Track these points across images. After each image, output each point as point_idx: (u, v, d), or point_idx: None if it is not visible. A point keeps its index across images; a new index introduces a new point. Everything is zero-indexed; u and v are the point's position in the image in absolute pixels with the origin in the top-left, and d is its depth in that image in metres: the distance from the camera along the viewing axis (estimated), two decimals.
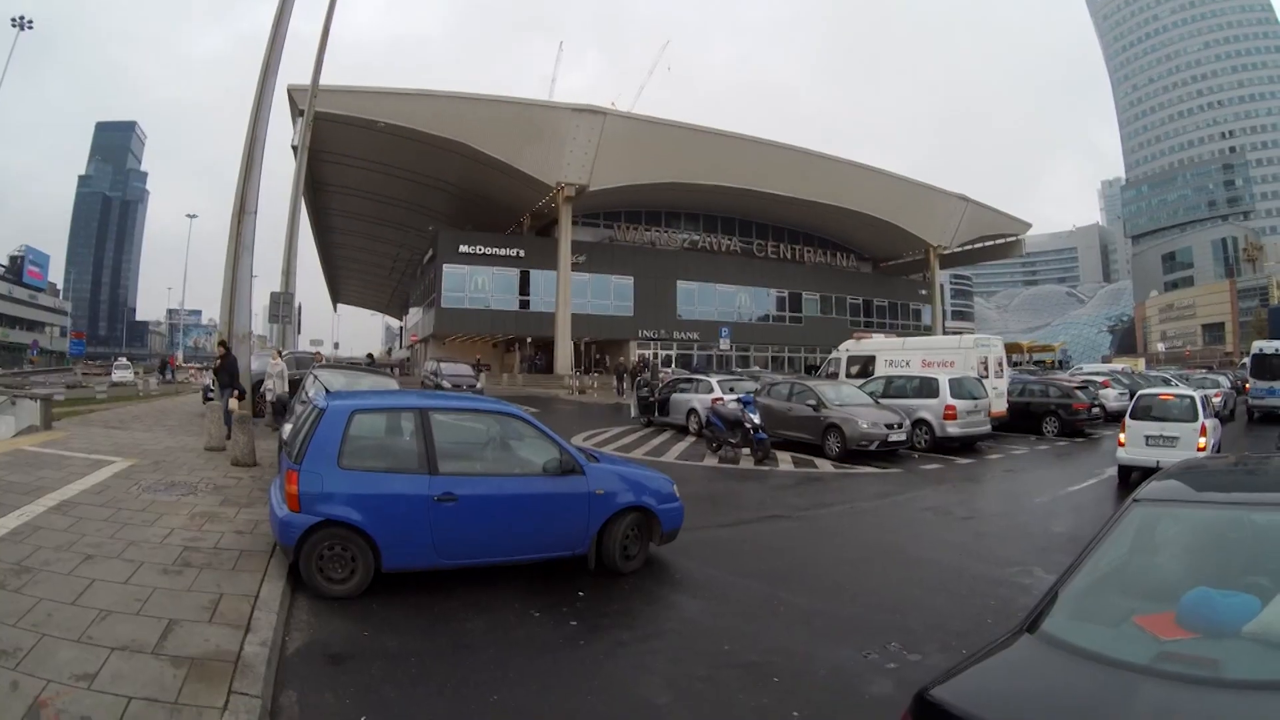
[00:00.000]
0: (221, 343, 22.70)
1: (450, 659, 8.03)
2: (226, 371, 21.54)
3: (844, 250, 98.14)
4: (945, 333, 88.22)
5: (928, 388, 28.09)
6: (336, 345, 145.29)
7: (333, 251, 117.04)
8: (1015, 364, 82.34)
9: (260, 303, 43.38)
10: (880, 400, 27.75)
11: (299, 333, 64.11)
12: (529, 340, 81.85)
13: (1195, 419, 19.41)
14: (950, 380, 27.84)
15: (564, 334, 69.23)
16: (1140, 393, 21.82)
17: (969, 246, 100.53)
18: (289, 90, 53.69)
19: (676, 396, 33.55)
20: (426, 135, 62.08)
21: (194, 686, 6.37)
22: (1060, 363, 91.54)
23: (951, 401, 26.77)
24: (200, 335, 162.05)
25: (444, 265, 74.55)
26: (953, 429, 26.53)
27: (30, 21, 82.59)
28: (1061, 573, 4.87)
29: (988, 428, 28.20)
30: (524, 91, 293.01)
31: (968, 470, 23.23)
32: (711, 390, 30.65)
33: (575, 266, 72.95)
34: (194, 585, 8.99)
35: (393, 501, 9.86)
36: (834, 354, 39.53)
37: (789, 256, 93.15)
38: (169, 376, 58.41)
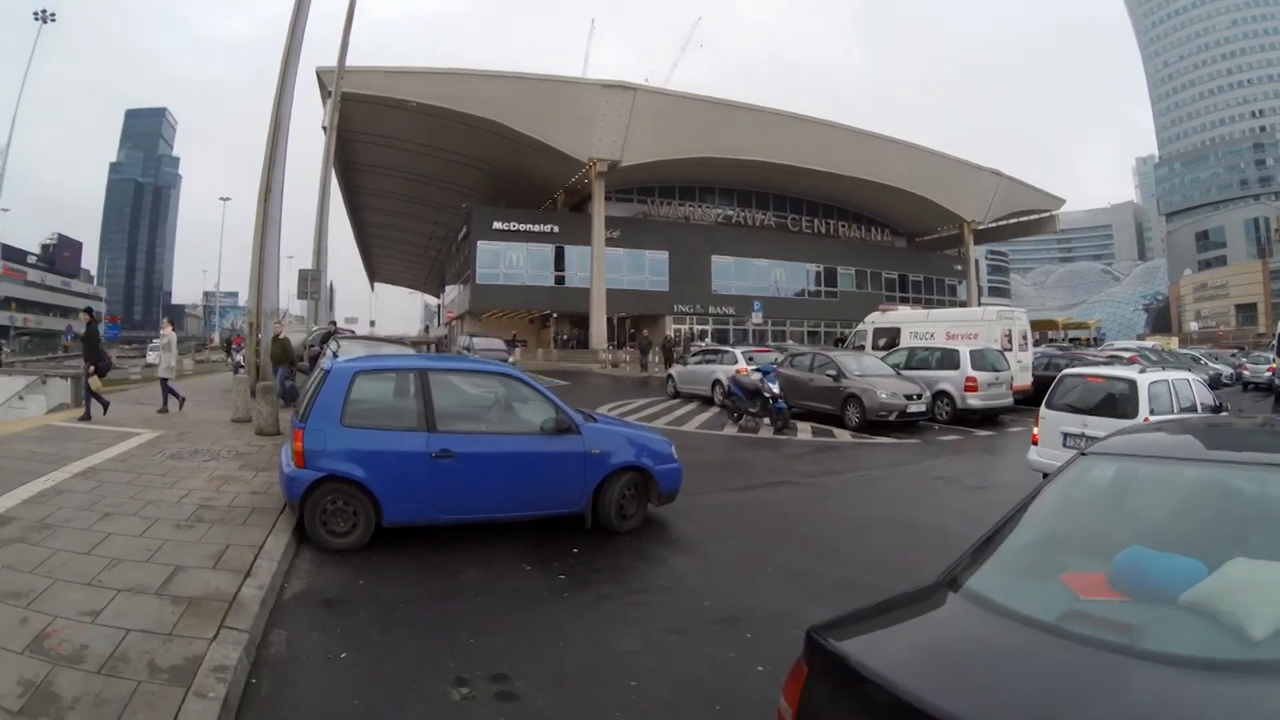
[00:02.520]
0: (86, 310, 22.98)
1: (438, 606, 8.47)
2: (87, 343, 21.72)
3: (879, 225, 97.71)
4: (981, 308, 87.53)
5: (949, 359, 28.12)
6: (373, 323, 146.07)
7: (368, 231, 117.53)
8: (1051, 340, 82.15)
9: (292, 281, 43.59)
10: (902, 372, 27.78)
11: (331, 310, 64.26)
12: (554, 316, 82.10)
13: (1135, 414, 14.33)
14: (971, 352, 27.90)
15: (599, 309, 69.14)
16: (1063, 372, 17.75)
17: (1003, 222, 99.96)
18: (318, 72, 54.67)
19: (701, 368, 33.83)
20: (457, 114, 62.21)
21: (189, 621, 6.94)
22: (1095, 340, 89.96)
23: (972, 373, 26.90)
24: (236, 316, 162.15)
25: (478, 242, 75.00)
26: (973, 401, 26.63)
27: (53, 15, 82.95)
28: (995, 523, 4.60)
29: (1010, 400, 28.18)
30: (556, 69, 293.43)
31: (986, 442, 23.30)
32: (736, 361, 30.72)
33: (609, 242, 73.01)
34: (204, 538, 9.57)
35: (392, 458, 10.33)
36: (860, 326, 39.77)
37: (823, 231, 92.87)
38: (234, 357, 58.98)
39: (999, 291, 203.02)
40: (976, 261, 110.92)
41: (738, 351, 33.20)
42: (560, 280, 77.24)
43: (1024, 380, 31.31)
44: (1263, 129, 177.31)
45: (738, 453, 20.65)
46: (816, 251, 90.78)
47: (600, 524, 11.33)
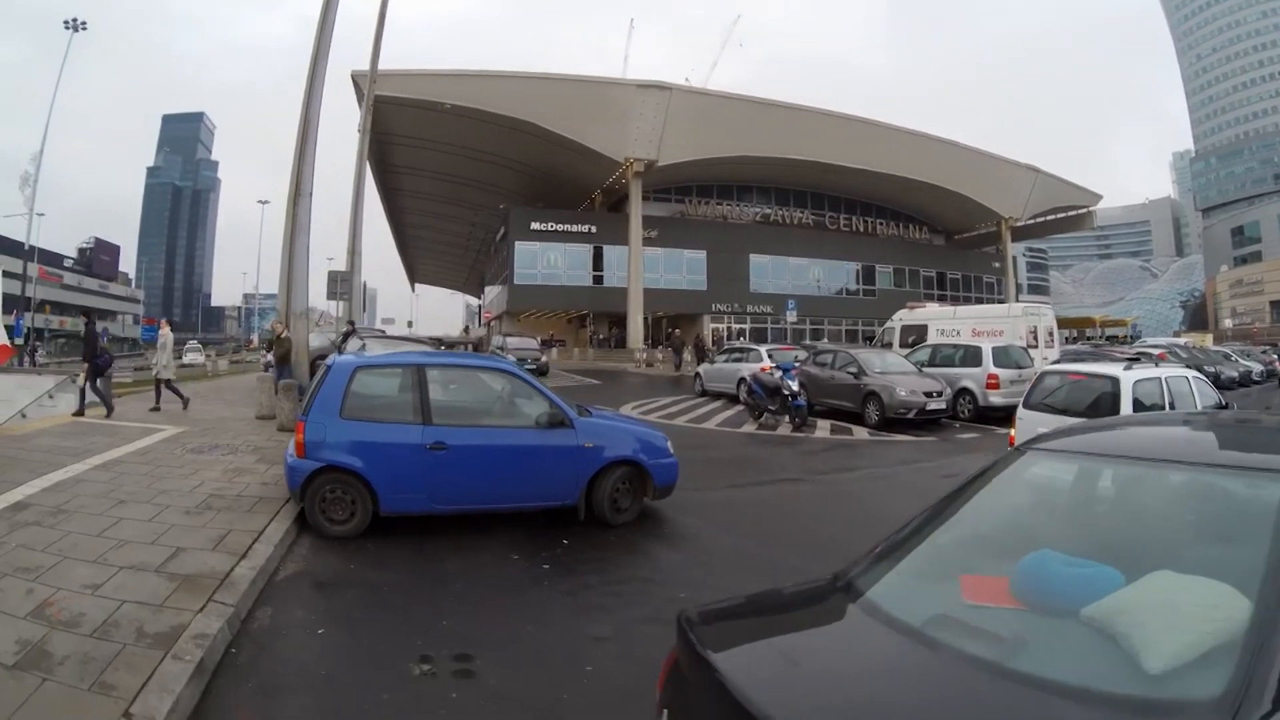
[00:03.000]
0: (84, 312, 23.94)
1: (421, 591, 8.92)
2: (85, 343, 22.79)
3: (916, 222, 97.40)
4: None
5: (971, 356, 28.02)
6: (410, 323, 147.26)
7: (407, 232, 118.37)
8: (1089, 338, 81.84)
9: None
10: (925, 369, 27.73)
11: (364, 310, 64.63)
12: (589, 316, 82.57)
13: (1115, 413, 13.05)
14: (994, 349, 27.82)
15: (636, 309, 69.61)
16: (1044, 369, 17.45)
17: (1040, 219, 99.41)
18: (353, 75, 54.89)
19: (727, 366, 33.83)
20: (493, 115, 62.77)
21: (180, 595, 7.54)
22: (1131, 338, 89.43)
23: (994, 370, 26.67)
24: (276, 318, 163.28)
25: (516, 243, 75.63)
26: (995, 398, 26.26)
27: (84, 23, 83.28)
28: (915, 518, 4.32)
29: None
30: (597, 69, 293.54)
31: (1005, 440, 23.05)
32: (760, 359, 30.55)
33: (647, 241, 73.43)
34: (209, 524, 10.16)
35: (389, 449, 10.79)
36: (888, 323, 39.76)
37: (861, 229, 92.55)
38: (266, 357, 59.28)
39: (1038, 289, 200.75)
40: (1014, 259, 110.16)
41: (762, 350, 33.30)
42: (599, 280, 77.59)
43: None
44: None
45: (751, 449, 20.78)
46: (854, 250, 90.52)
47: (595, 517, 11.58)
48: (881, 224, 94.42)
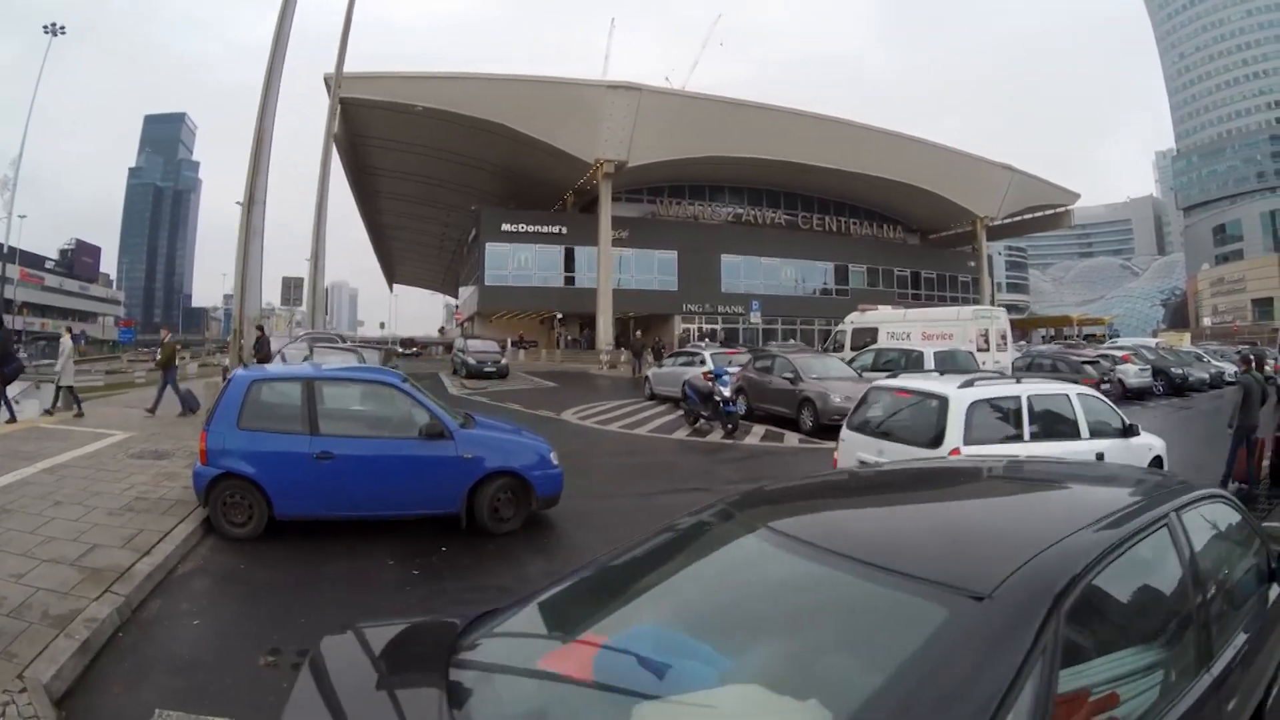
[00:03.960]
0: None
1: (296, 590, 9.61)
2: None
3: (890, 222, 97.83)
4: (995, 305, 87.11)
5: (913, 361, 27.73)
6: (382, 325, 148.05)
7: (384, 233, 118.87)
8: (1066, 338, 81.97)
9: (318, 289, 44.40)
10: (867, 374, 27.24)
11: (327, 314, 64.64)
12: (558, 317, 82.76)
13: (940, 442, 11.15)
14: (936, 353, 27.67)
15: (605, 310, 69.66)
16: (873, 384, 14.53)
17: (1017, 218, 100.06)
18: (325, 78, 54.92)
19: (674, 370, 33.79)
20: (464, 117, 62.95)
21: (85, 585, 8.56)
22: (1108, 336, 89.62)
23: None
24: (256, 319, 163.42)
25: (486, 244, 76.00)
26: None
27: (63, 27, 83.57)
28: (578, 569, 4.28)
29: None
30: (579, 70, 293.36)
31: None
32: (705, 364, 30.50)
33: (618, 242, 73.79)
34: (126, 524, 11.12)
35: (280, 458, 11.51)
36: (840, 326, 40.50)
37: (834, 229, 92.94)
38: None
39: (1017, 287, 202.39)
40: (991, 257, 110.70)
41: (707, 353, 33.09)
42: (570, 281, 77.77)
43: None
44: (1279, 120, 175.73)
45: (674, 457, 20.85)
46: (827, 249, 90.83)
47: (478, 525, 11.98)
48: (855, 223, 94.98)
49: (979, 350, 30.61)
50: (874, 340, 34.91)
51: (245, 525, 11.42)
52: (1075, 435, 12.06)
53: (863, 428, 12.96)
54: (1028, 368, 32.85)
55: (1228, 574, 4.77)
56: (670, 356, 38.27)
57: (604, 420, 27.54)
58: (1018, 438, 11.50)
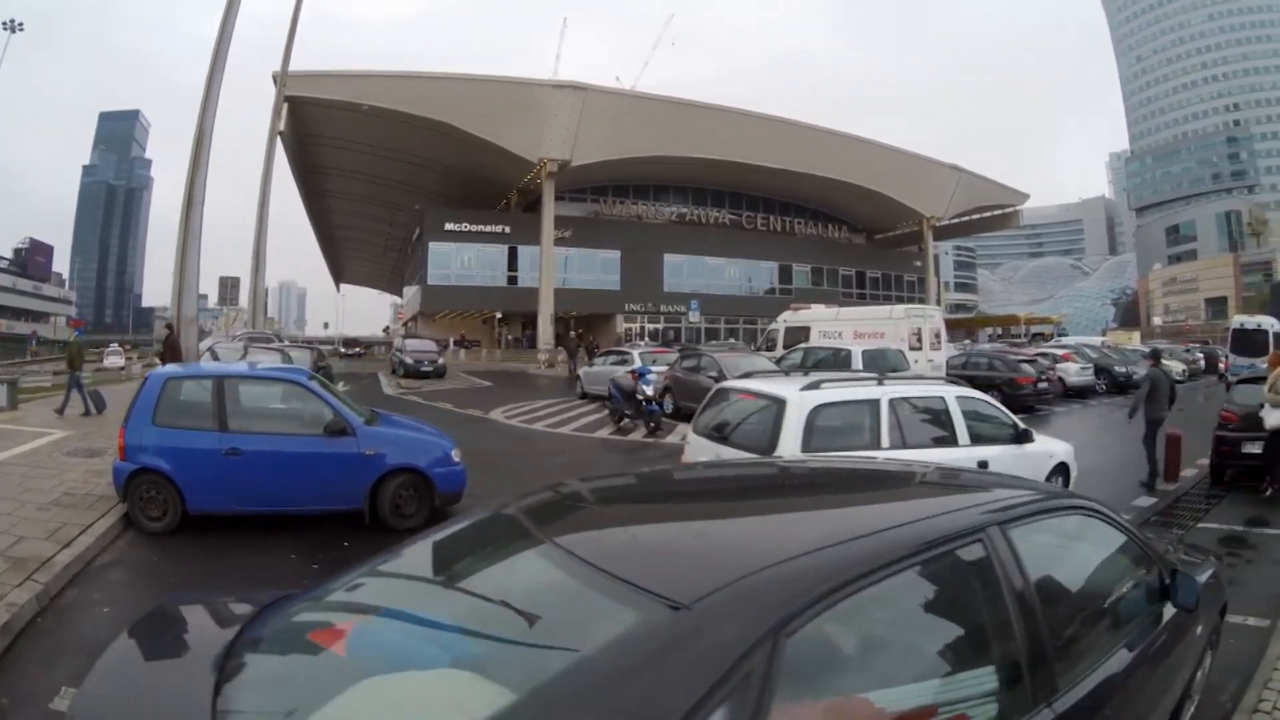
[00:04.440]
0: None
1: (198, 581, 9.94)
2: None
3: (836, 222, 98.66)
4: (940, 304, 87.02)
5: (841, 360, 27.78)
6: (326, 325, 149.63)
7: (331, 233, 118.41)
8: (1015, 337, 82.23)
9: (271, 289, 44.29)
10: (794, 373, 26.45)
11: (267, 314, 64.58)
12: (499, 317, 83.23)
13: (774, 446, 10.08)
14: (864, 352, 27.79)
15: (546, 309, 69.23)
16: (719, 385, 14.31)
17: (964, 218, 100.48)
18: (274, 76, 54.35)
19: (604, 369, 33.66)
20: (410, 116, 62.68)
21: (9, 573, 9.09)
22: (1057, 335, 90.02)
23: None
24: (207, 319, 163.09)
25: (430, 243, 76.09)
26: None
27: (21, 24, 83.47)
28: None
29: None
30: (532, 69, 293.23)
31: None
32: (634, 363, 30.50)
33: (561, 241, 73.52)
34: (53, 518, 11.59)
35: (191, 454, 11.80)
36: (772, 325, 40.44)
37: (779, 228, 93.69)
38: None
39: (965, 286, 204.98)
40: (937, 257, 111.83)
41: (635, 353, 33.32)
42: (513, 281, 78.08)
43: None
44: (1237, 123, 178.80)
45: (591, 456, 20.90)
46: (772, 249, 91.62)
47: (382, 520, 12.20)
48: (800, 223, 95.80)
49: (911, 349, 30.64)
50: (806, 339, 34.93)
51: (161, 519, 11.66)
52: (952, 442, 11.05)
53: (705, 430, 12.19)
54: (963, 366, 33.22)
55: (1087, 595, 4.52)
56: (601, 355, 38.49)
57: (530, 419, 27.75)
58: (873, 445, 10.40)
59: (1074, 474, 13.19)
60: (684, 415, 25.75)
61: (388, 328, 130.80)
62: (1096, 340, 56.21)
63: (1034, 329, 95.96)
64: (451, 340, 79.79)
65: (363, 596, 3.94)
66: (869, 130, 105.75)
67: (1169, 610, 4.80)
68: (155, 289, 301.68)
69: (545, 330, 68.31)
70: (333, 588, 4.06)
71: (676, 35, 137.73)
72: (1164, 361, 45.01)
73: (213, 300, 46.55)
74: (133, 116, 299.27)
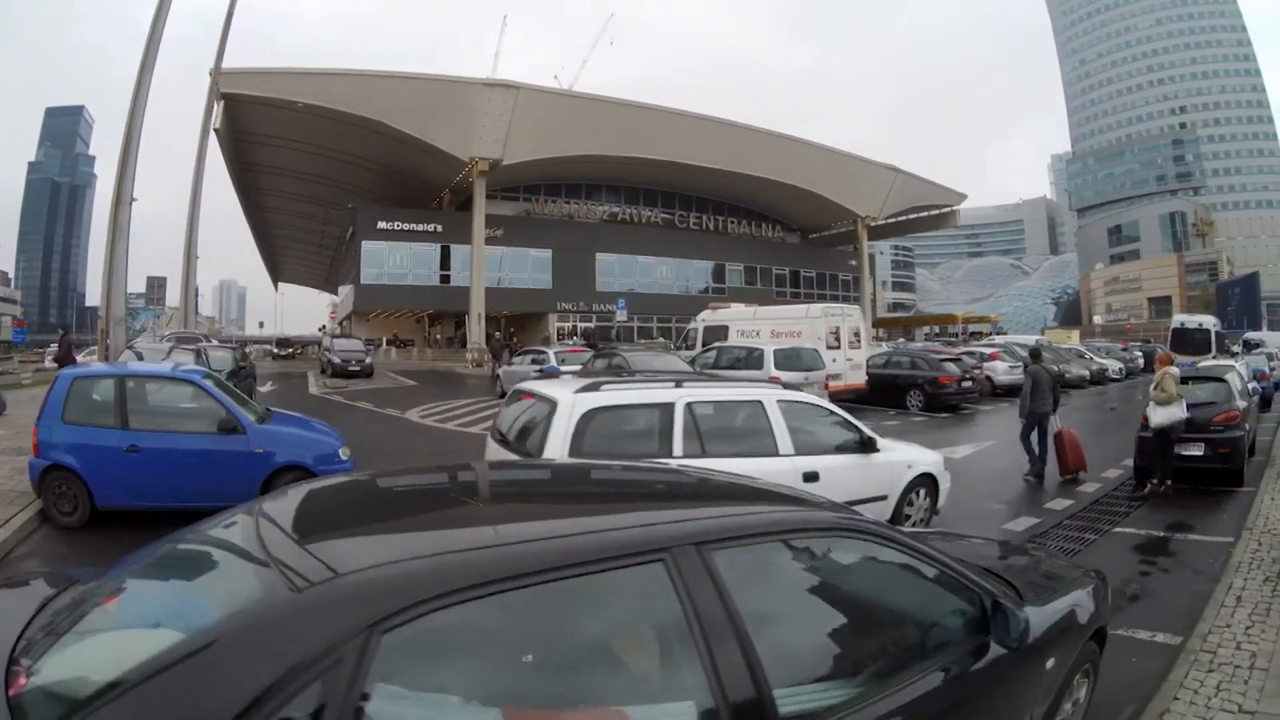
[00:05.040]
0: None
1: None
2: None
3: (770, 221, 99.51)
4: (875, 303, 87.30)
5: (754, 359, 27.97)
6: (261, 324, 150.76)
7: (268, 231, 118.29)
8: (953, 336, 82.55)
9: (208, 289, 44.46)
10: (708, 371, 27.54)
11: (197, 313, 64.51)
12: (427, 315, 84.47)
13: (542, 447, 9.41)
14: (776, 351, 27.80)
15: (478, 308, 69.34)
16: (516, 386, 12.07)
17: (900, 217, 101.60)
18: (211, 74, 55.20)
19: (520, 369, 33.62)
20: (343, 114, 62.71)
21: None
22: (993, 334, 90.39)
23: (776, 373, 26.01)
24: (149, 318, 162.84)
25: (363, 242, 75.94)
26: None
27: None
28: None
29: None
30: (471, 68, 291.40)
31: None
32: (549, 362, 31.42)
33: (492, 240, 73.71)
34: None
35: (95, 450, 12.20)
36: (691, 324, 40.47)
37: (712, 228, 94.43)
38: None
39: (904, 286, 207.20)
40: (873, 257, 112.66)
41: (551, 352, 33.99)
42: (446, 280, 78.23)
43: (856, 379, 31.60)
44: (1183, 125, 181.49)
45: (480, 452, 20.80)
46: (705, 248, 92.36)
47: None
48: (734, 222, 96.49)
49: (830, 348, 30.70)
50: (725, 338, 34.92)
51: (72, 514, 12.09)
52: (770, 451, 10.07)
53: (494, 431, 11.44)
54: (885, 365, 33.44)
55: (850, 625, 4.19)
56: (519, 355, 38.62)
57: (444, 418, 27.89)
58: (664, 453, 9.50)
59: (945, 486, 12.33)
60: None
61: (323, 327, 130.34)
62: (1031, 339, 56.04)
63: (971, 328, 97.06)
64: (384, 339, 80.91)
65: (139, 567, 4.20)
66: (812, 131, 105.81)
67: (992, 648, 4.39)
68: (99, 289, 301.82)
69: (476, 329, 68.51)
70: (125, 563, 4.33)
71: (615, 35, 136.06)
72: (1097, 359, 45.57)
73: (206, 298, 46.62)
74: (78, 112, 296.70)
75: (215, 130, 61.04)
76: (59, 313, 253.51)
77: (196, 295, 56.66)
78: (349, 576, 3.00)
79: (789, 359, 27.44)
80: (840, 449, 10.99)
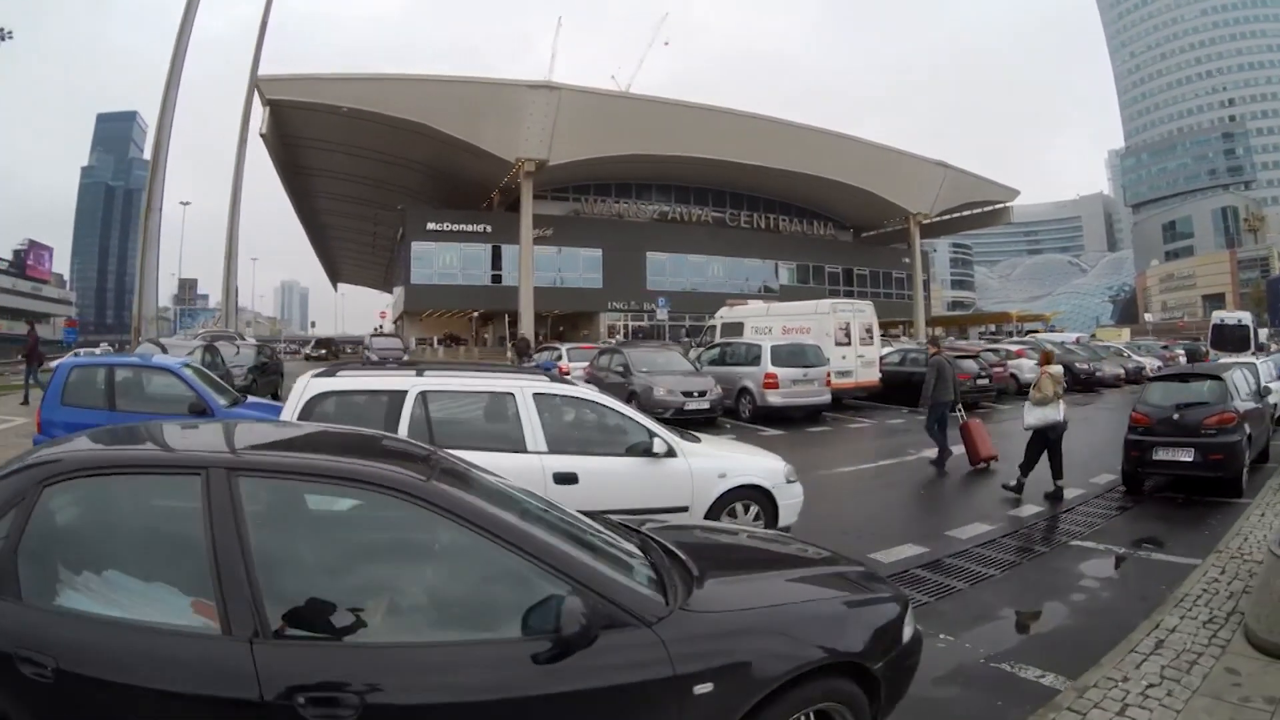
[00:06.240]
0: None
1: None
2: None
3: (822, 219, 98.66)
4: (930, 301, 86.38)
5: (752, 355, 28.00)
6: (313, 324, 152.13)
7: (323, 233, 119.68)
8: (1009, 333, 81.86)
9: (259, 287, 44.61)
10: (715, 367, 28.47)
11: (230, 313, 64.75)
12: (476, 315, 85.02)
13: None
14: (774, 347, 27.67)
15: (527, 308, 69.83)
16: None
17: (952, 214, 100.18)
18: (256, 81, 56.46)
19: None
20: (388, 117, 63.06)
21: None
22: (1047, 332, 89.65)
23: (773, 369, 26.59)
24: (208, 319, 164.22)
25: (412, 243, 76.90)
26: (774, 398, 26.48)
27: (10, 33, 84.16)
28: None
29: (824, 398, 27.86)
30: (525, 69, 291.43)
31: (756, 442, 22.06)
32: (562, 358, 32.06)
33: (542, 240, 74.22)
34: None
35: (86, 429, 11.88)
36: (710, 321, 40.61)
37: (764, 226, 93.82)
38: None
39: (962, 284, 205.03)
40: (927, 254, 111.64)
41: (564, 349, 34.82)
42: (497, 280, 78.87)
43: (868, 377, 31.56)
44: (1233, 118, 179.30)
45: None
46: (756, 246, 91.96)
47: None
48: (785, 220, 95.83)
49: (838, 344, 30.64)
50: (740, 334, 34.67)
51: None
52: (519, 447, 9.56)
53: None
54: (900, 363, 33.38)
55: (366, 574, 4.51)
56: (538, 353, 39.20)
57: None
58: (460, 440, 8.97)
59: (790, 502, 10.92)
60: None
61: (379, 327, 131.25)
62: (1072, 336, 55.19)
63: (1027, 326, 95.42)
64: (436, 339, 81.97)
65: None
66: (859, 128, 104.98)
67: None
68: (165, 290, 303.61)
69: (526, 329, 68.28)
70: None
71: (670, 34, 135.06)
72: (1135, 357, 45.03)
73: (262, 298, 46.97)
74: (130, 118, 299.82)
75: (261, 135, 62.04)
76: (115, 313, 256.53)
77: (238, 295, 57.15)
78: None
79: (790, 355, 27.34)
80: (618, 451, 10.17)
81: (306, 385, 9.45)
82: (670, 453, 10.13)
